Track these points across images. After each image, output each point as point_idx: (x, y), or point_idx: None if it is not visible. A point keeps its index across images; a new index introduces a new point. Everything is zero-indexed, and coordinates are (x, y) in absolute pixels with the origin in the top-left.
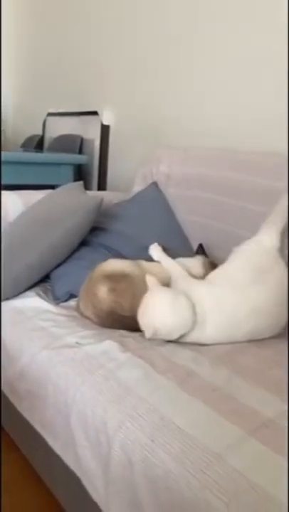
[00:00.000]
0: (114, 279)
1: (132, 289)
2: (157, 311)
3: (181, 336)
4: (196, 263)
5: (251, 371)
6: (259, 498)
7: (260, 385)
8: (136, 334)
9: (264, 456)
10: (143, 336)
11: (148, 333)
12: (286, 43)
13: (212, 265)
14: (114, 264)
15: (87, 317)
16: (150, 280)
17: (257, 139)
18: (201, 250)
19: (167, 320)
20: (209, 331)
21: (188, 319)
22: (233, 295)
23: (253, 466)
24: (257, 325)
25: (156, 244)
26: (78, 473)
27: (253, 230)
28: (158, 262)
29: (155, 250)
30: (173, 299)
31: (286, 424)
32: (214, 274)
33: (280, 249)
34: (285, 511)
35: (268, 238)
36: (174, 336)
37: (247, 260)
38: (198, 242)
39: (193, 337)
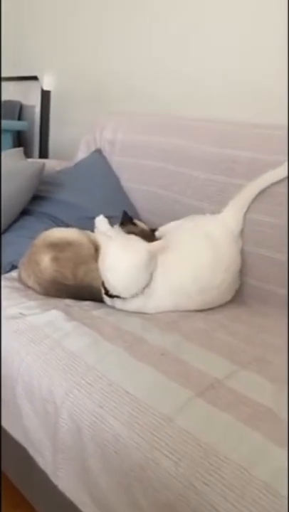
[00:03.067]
0: (57, 247)
1: (75, 257)
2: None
3: (127, 300)
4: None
5: (199, 335)
6: (207, 455)
7: (207, 348)
8: (82, 303)
9: (212, 416)
10: (89, 305)
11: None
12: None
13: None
14: (58, 233)
15: (30, 287)
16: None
17: (205, 106)
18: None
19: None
20: (155, 299)
21: (146, 278)
22: (184, 269)
23: (201, 426)
24: (206, 299)
25: (102, 216)
26: (25, 444)
27: (198, 198)
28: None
29: (101, 223)
30: (149, 254)
31: (233, 386)
32: (168, 246)
33: (242, 231)
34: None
35: (234, 221)
36: (128, 290)
37: (207, 237)
38: (144, 210)
39: (138, 304)
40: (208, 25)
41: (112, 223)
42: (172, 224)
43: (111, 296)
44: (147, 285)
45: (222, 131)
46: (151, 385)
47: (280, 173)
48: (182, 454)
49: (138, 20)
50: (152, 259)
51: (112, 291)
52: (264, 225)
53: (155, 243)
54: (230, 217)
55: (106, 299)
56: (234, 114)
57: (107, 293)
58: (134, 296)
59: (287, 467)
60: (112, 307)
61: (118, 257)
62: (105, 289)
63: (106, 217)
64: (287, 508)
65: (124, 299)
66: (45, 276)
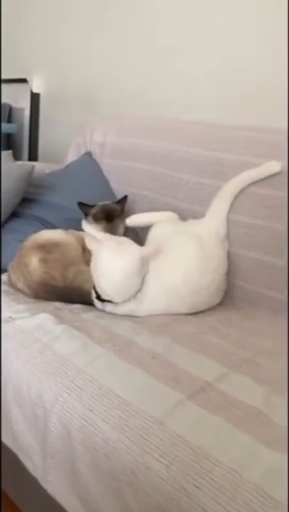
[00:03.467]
0: (46, 249)
1: (63, 259)
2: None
3: (119, 304)
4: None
5: (190, 338)
6: (198, 458)
7: (198, 351)
8: (72, 306)
9: (202, 419)
10: (79, 308)
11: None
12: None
13: None
14: (47, 235)
15: (19, 289)
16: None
17: (199, 108)
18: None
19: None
20: (147, 303)
21: (139, 283)
22: (175, 271)
23: (192, 429)
24: (196, 300)
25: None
26: (14, 448)
27: (190, 201)
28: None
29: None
30: (141, 259)
31: (223, 389)
32: (160, 249)
33: (227, 235)
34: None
35: (218, 222)
36: (121, 295)
37: (195, 239)
38: (134, 213)
39: (129, 308)
40: (205, 26)
41: None
42: (143, 216)
43: (102, 300)
44: (139, 289)
45: (212, 134)
46: (141, 389)
47: (260, 172)
48: (173, 457)
49: (129, 23)
50: (144, 263)
51: (104, 296)
52: (248, 226)
53: (147, 247)
54: (214, 219)
55: (96, 302)
56: (234, 116)
57: (98, 297)
58: (127, 300)
59: (277, 469)
60: (102, 310)
61: (111, 263)
62: (97, 293)
63: None
64: (280, 510)
65: (115, 303)
66: (34, 278)
